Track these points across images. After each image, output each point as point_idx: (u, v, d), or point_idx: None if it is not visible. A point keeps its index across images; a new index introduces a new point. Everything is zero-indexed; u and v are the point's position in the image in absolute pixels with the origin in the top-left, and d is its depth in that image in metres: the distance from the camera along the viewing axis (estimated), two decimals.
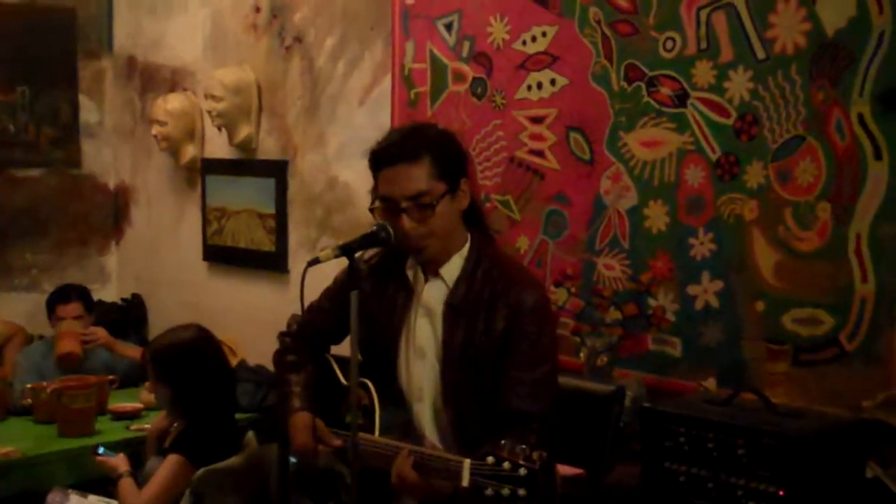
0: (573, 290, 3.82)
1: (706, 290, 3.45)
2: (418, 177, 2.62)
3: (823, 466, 2.72)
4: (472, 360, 2.68)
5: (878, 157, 3.04)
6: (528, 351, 2.65)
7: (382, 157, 2.69)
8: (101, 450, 3.76)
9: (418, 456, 2.48)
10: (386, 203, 2.67)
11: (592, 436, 3.09)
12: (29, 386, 4.51)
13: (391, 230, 2.61)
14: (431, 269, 2.76)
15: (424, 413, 2.77)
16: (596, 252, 3.75)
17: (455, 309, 2.71)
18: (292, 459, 2.95)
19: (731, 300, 3.39)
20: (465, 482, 2.28)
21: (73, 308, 5.11)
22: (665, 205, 3.54)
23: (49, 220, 6.09)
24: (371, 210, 2.74)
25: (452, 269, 2.74)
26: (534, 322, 2.67)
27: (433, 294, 2.76)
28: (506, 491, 2.18)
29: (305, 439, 2.80)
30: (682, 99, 3.47)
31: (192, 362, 3.67)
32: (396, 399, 2.77)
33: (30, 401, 4.41)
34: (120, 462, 3.66)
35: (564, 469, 2.93)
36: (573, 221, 3.81)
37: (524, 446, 2.21)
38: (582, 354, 3.62)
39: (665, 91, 3.52)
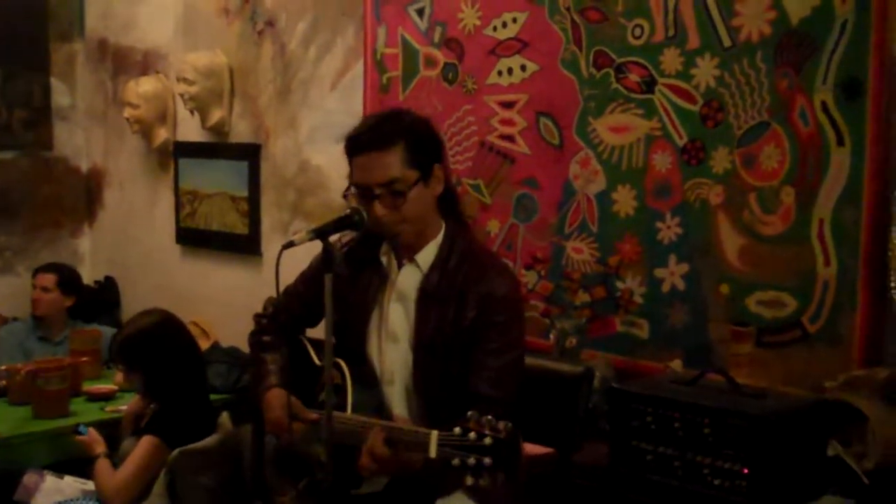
0: (543, 273, 3.88)
1: (673, 273, 3.50)
2: (391, 164, 2.63)
3: (786, 445, 2.77)
4: (442, 347, 2.71)
5: (840, 143, 3.10)
6: (496, 338, 2.68)
7: (356, 144, 2.69)
8: (82, 428, 3.78)
9: (388, 431, 2.51)
10: (359, 189, 2.69)
11: (561, 416, 3.14)
12: (3, 367, 4.51)
13: (364, 214, 2.63)
14: (406, 255, 2.79)
15: (395, 396, 2.80)
16: (565, 236, 3.80)
17: (429, 295, 2.74)
18: (268, 439, 2.98)
19: (697, 283, 3.45)
20: (433, 453, 2.32)
21: (45, 278, 5.18)
22: (633, 189, 3.59)
23: (21, 203, 6.08)
24: (345, 196, 2.76)
25: (427, 255, 2.76)
26: (504, 310, 2.70)
27: (407, 280, 2.78)
28: (472, 460, 2.21)
29: (279, 415, 2.83)
30: (649, 85, 3.52)
31: (158, 346, 3.71)
32: (369, 380, 2.80)
33: (4, 382, 4.42)
34: (97, 442, 3.70)
35: (534, 448, 2.98)
36: (543, 205, 3.86)
37: (490, 417, 2.24)
38: (551, 336, 3.67)
39: (633, 77, 3.57)
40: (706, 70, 3.37)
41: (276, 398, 2.88)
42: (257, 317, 3.14)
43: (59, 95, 6.18)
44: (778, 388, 3.10)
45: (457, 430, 2.26)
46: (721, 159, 3.36)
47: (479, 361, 2.67)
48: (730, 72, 3.32)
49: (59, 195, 6.23)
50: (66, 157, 6.24)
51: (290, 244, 2.50)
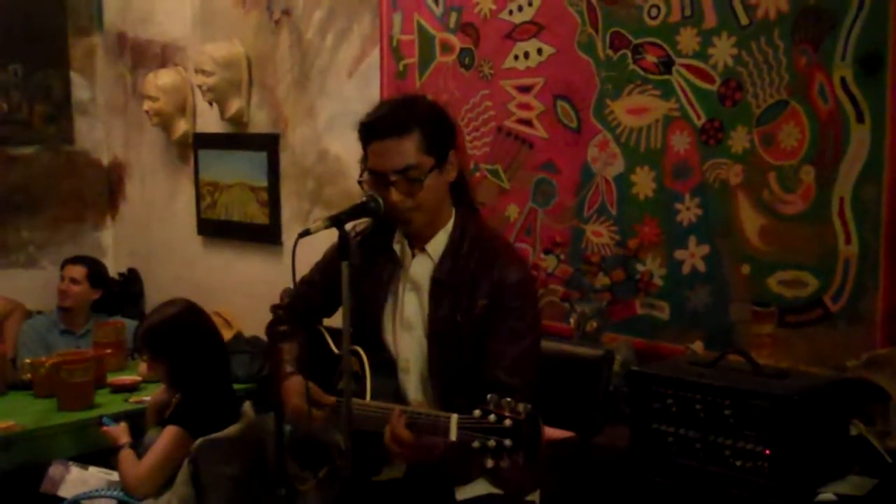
0: (562, 256, 3.86)
1: (693, 255, 3.49)
2: (407, 151, 2.62)
3: (809, 425, 2.75)
4: (455, 335, 2.70)
5: (860, 120, 3.07)
6: (511, 325, 2.66)
7: (371, 131, 2.68)
8: (105, 420, 3.81)
9: (408, 415, 2.51)
10: (374, 176, 2.68)
11: (582, 399, 3.12)
12: (28, 361, 4.54)
13: (380, 200, 2.62)
14: (418, 244, 2.78)
15: (411, 384, 2.80)
16: (584, 219, 3.78)
17: (441, 284, 2.73)
18: (287, 428, 2.99)
19: (717, 264, 3.43)
20: (453, 436, 2.32)
21: (75, 270, 5.21)
22: (651, 171, 3.57)
23: (44, 197, 6.10)
24: (360, 182, 2.75)
25: (438, 244, 2.75)
26: (516, 297, 2.68)
27: (420, 269, 2.78)
28: (492, 443, 2.20)
29: (298, 402, 2.84)
30: (667, 66, 3.50)
31: (182, 336, 3.73)
32: (386, 367, 2.80)
33: (29, 375, 4.44)
34: (121, 433, 3.72)
35: (555, 432, 2.97)
36: (561, 189, 3.85)
37: (509, 399, 2.23)
38: (572, 320, 3.66)
39: (650, 58, 3.54)
40: (723, 49, 3.35)
41: (293, 385, 2.89)
42: (274, 307, 3.15)
43: (79, 89, 6.20)
44: (800, 368, 3.08)
45: (476, 412, 2.26)
46: (740, 139, 3.33)
47: (495, 350, 2.66)
48: (747, 50, 3.29)
49: (80, 189, 6.26)
50: (86, 150, 6.26)
51: (305, 232, 2.50)
